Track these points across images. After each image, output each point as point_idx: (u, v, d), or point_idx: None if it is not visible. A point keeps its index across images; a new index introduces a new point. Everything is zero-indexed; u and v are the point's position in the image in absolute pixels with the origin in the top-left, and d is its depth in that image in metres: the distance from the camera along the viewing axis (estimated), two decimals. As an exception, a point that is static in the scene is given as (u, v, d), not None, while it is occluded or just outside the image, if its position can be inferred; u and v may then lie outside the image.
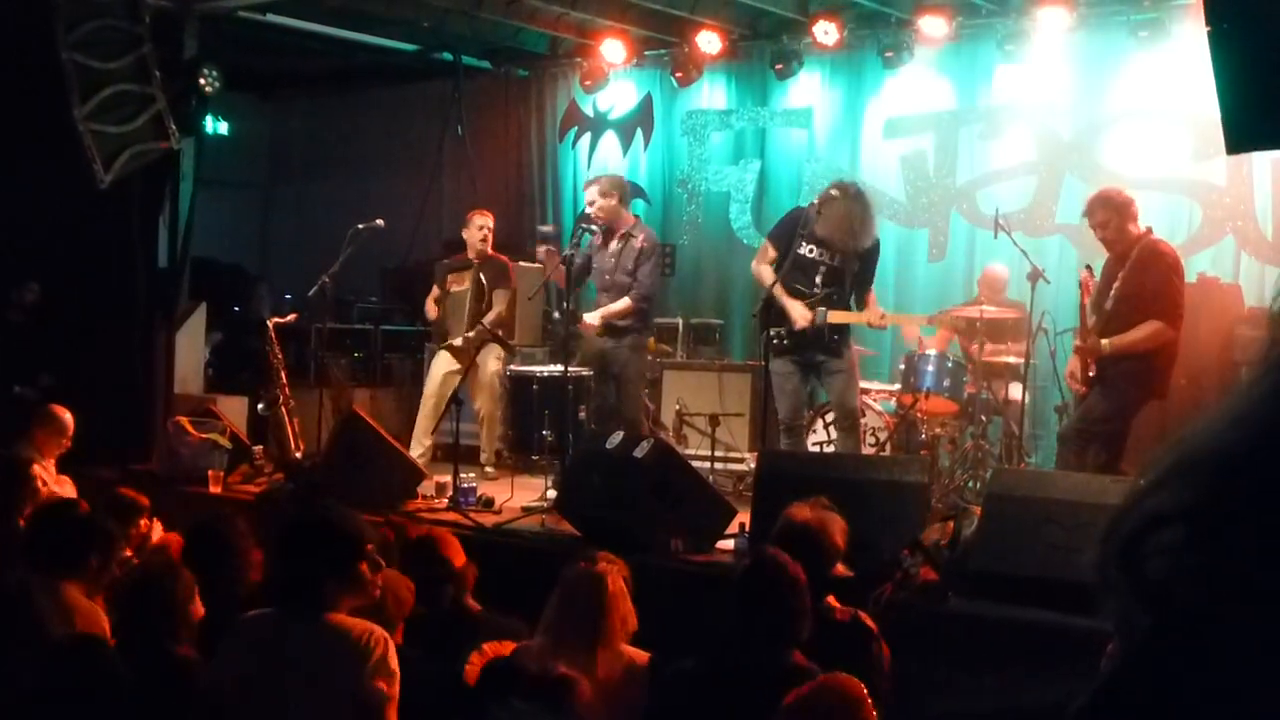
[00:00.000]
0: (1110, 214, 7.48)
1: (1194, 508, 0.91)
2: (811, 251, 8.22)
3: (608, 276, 9.34)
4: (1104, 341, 7.33)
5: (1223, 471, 0.91)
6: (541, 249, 9.40)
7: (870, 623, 5.00)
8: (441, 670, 4.68)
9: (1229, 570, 0.88)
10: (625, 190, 9.55)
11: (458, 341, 9.93)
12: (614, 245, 9.30)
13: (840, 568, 5.28)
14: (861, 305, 8.36)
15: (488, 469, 9.88)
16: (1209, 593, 0.88)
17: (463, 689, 4.53)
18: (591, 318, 9.33)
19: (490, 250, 10.13)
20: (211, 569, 5.08)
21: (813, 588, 4.62)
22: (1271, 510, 0.88)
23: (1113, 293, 7.39)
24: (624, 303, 9.23)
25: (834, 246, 8.20)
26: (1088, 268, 7.87)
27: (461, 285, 10.06)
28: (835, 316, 8.16)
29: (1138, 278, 7.34)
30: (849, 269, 8.23)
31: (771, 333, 8.24)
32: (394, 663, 4.03)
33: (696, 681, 4.34)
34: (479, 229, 10.07)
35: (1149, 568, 0.91)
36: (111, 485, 7.56)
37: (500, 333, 9.65)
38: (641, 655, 4.80)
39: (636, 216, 9.57)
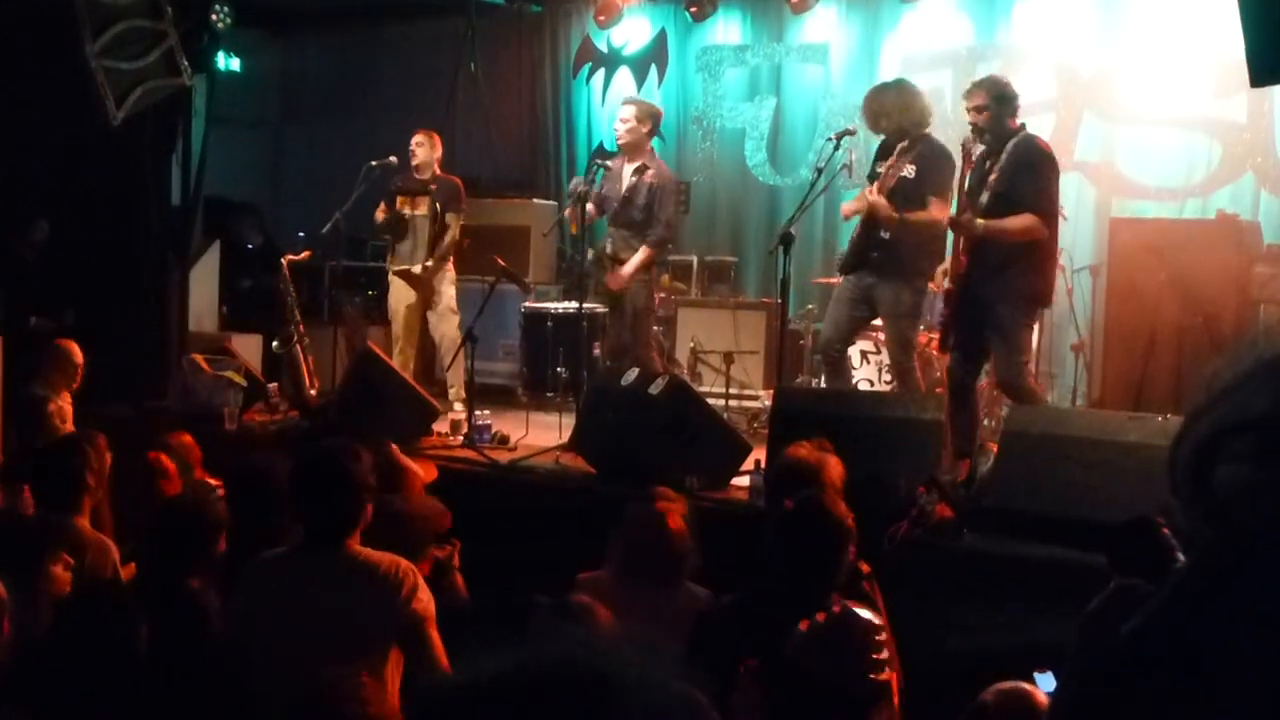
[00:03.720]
0: (989, 101, 7.22)
1: (1267, 415, 0.87)
2: (879, 167, 7.91)
3: (618, 208, 9.07)
4: (979, 222, 7.08)
5: None
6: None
7: (863, 565, 4.99)
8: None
9: None
10: (657, 123, 9.32)
11: (416, 269, 9.80)
12: (629, 177, 9.06)
13: (843, 506, 5.26)
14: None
15: (456, 405, 9.46)
16: (1273, 506, 0.84)
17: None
18: (623, 272, 8.99)
19: (438, 171, 9.95)
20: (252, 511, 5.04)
21: None
22: None
23: (989, 185, 7.15)
24: (644, 252, 8.95)
25: (889, 145, 7.90)
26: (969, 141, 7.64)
27: (419, 209, 9.87)
28: (854, 203, 7.98)
29: (1017, 174, 7.08)
30: (905, 179, 7.75)
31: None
32: (424, 588, 4.09)
33: (734, 619, 4.33)
34: (410, 148, 9.91)
35: (1216, 478, 0.87)
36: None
37: (505, 266, 9.51)
38: (705, 591, 4.82)
39: (653, 149, 9.41)
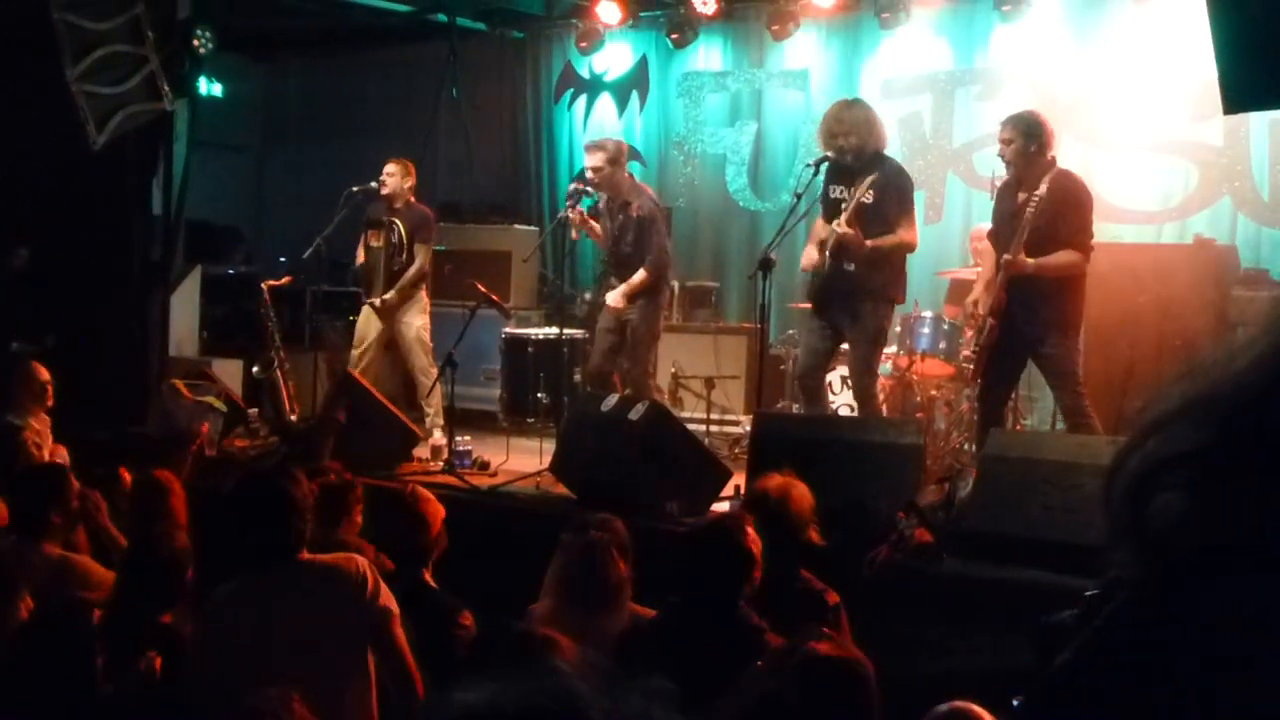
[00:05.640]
0: (1016, 135, 7.41)
1: (1203, 449, 0.87)
2: (834, 191, 8.00)
3: (611, 247, 9.06)
4: (1030, 261, 7.22)
5: (1238, 411, 0.87)
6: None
7: (832, 596, 5.03)
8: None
9: (1233, 516, 0.84)
10: (625, 155, 9.32)
11: (376, 302, 9.72)
12: (614, 215, 9.03)
13: (813, 534, 5.29)
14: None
15: (434, 432, 9.40)
16: (1209, 539, 0.84)
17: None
18: (613, 298, 8.98)
19: (411, 200, 9.85)
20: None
21: (783, 556, 4.80)
22: None
23: (1027, 220, 7.26)
24: (640, 275, 8.88)
25: (845, 167, 7.91)
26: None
27: (378, 242, 9.80)
28: (832, 241, 7.82)
29: (1059, 211, 7.26)
30: (863, 204, 7.75)
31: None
32: (385, 587, 4.15)
33: (655, 634, 4.43)
34: (381, 178, 9.76)
35: (1152, 510, 0.88)
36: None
37: (485, 291, 9.47)
38: (648, 612, 4.88)
39: (631, 176, 9.35)
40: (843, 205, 7.88)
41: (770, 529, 4.72)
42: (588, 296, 9.42)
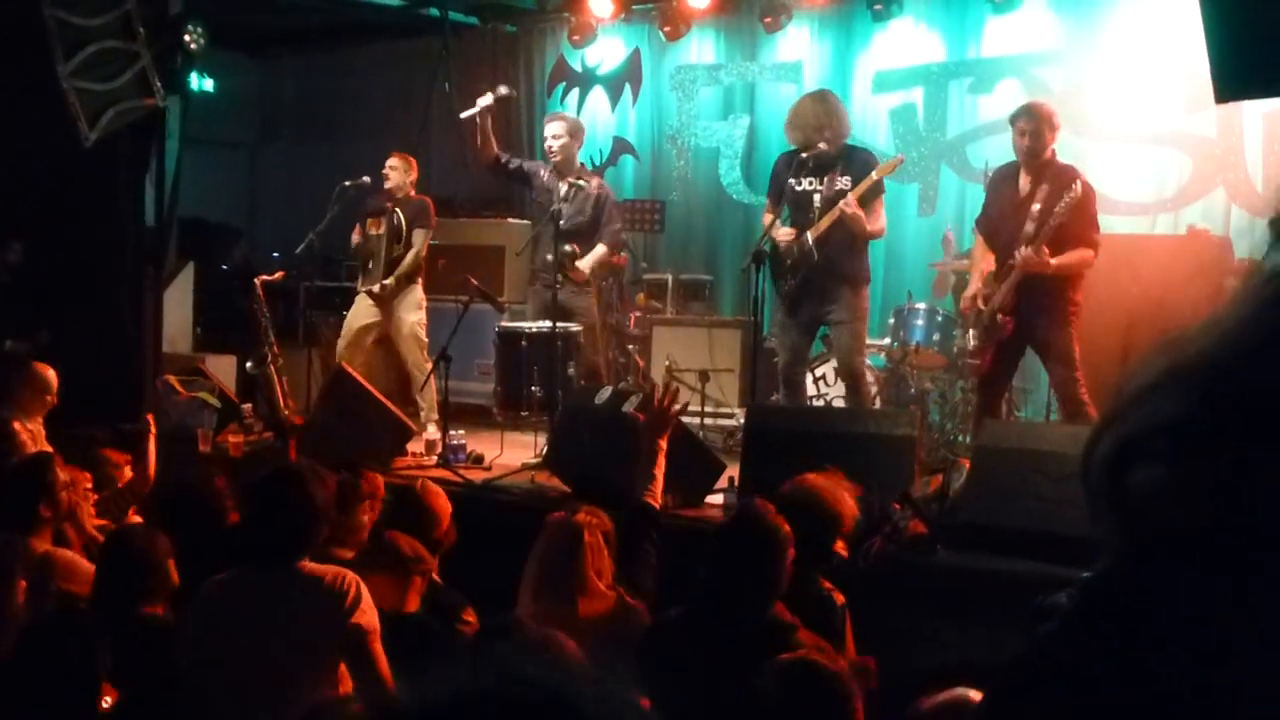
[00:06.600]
0: (1038, 125, 7.41)
1: (1182, 419, 0.86)
2: (802, 184, 8.08)
3: (562, 222, 9.17)
4: (1052, 261, 7.26)
5: (1216, 380, 0.86)
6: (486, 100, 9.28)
7: (838, 597, 4.99)
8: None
9: (1213, 488, 0.83)
10: (581, 135, 9.60)
11: (375, 288, 9.77)
12: (565, 190, 9.20)
13: (840, 545, 5.23)
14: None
15: (429, 427, 9.40)
16: (1187, 511, 0.83)
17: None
18: (586, 264, 9.21)
19: (412, 194, 9.93)
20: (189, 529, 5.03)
21: (810, 557, 4.66)
22: (1266, 422, 0.84)
23: (1035, 216, 7.30)
24: (603, 249, 9.26)
25: (816, 159, 7.98)
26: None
27: (379, 230, 9.84)
28: (816, 230, 7.93)
29: (1073, 211, 7.28)
30: (842, 191, 7.93)
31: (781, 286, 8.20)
32: (368, 600, 4.11)
33: (680, 631, 4.37)
34: (384, 171, 9.89)
35: (1130, 482, 0.87)
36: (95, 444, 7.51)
37: (479, 286, 9.44)
38: (637, 605, 4.86)
39: (582, 163, 9.60)
40: (815, 197, 8.01)
41: (803, 526, 4.61)
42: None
